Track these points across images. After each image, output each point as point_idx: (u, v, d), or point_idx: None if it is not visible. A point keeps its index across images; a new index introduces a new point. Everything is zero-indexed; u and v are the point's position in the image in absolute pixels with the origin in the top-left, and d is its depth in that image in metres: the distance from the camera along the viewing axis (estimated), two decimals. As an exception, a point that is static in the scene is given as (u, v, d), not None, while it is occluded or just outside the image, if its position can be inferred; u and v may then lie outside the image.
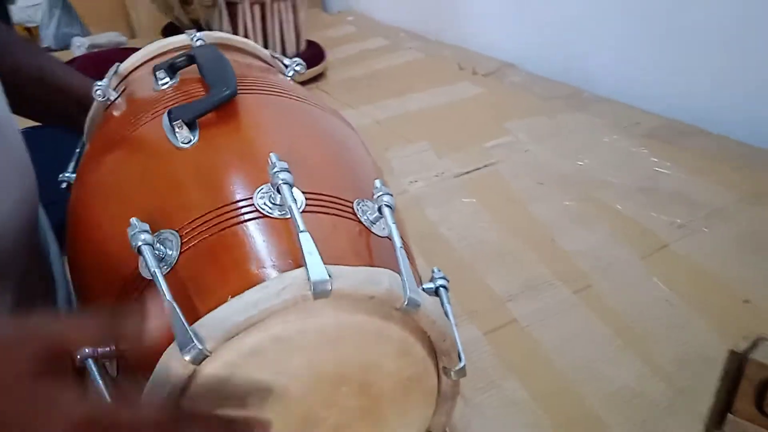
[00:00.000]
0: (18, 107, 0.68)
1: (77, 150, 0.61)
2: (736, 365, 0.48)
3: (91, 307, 0.43)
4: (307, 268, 0.33)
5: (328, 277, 0.33)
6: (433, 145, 1.02)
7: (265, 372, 0.34)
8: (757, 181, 0.85)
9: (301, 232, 0.34)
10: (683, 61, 1.06)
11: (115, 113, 0.53)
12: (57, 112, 0.67)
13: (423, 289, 0.44)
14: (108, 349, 0.36)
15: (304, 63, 0.59)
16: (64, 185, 0.58)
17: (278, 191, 0.37)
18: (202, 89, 0.49)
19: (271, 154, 0.38)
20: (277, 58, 0.63)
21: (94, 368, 0.34)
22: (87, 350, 0.34)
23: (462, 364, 0.40)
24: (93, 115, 0.58)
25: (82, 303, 0.46)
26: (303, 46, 1.33)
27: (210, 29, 1.29)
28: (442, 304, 0.44)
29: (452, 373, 0.40)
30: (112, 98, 0.54)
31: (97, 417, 0.31)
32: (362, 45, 1.49)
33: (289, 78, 0.58)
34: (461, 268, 0.73)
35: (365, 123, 1.11)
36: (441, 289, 0.44)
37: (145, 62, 0.59)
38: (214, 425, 0.34)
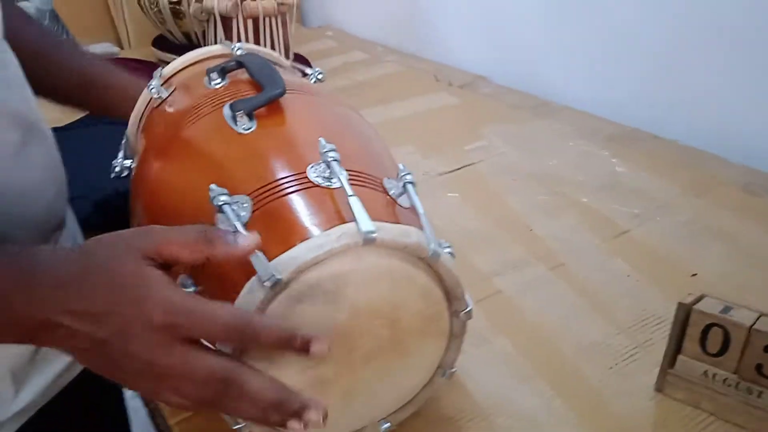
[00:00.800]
0: (59, 101, 0.76)
1: (123, 141, 0.70)
2: (684, 315, 0.59)
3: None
4: (357, 222, 0.43)
5: (374, 229, 0.43)
6: (418, 148, 1.13)
7: (322, 302, 0.44)
8: (697, 178, 0.99)
9: (350, 196, 0.45)
10: (636, 76, 1.20)
11: (170, 108, 0.62)
12: (100, 107, 0.75)
13: None
14: (191, 290, 0.45)
15: (324, 72, 0.70)
16: (116, 169, 0.66)
17: (328, 166, 0.47)
18: (249, 89, 0.58)
19: (320, 138, 0.49)
20: (297, 68, 0.73)
21: (191, 285, 0.43)
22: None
23: (469, 308, 0.51)
24: (138, 110, 0.67)
25: None
26: (291, 58, 1.43)
27: (205, 42, 1.38)
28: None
29: (462, 314, 0.51)
30: (164, 96, 0.63)
31: (187, 305, 0.38)
32: (343, 58, 1.59)
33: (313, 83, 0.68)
34: (452, 250, 0.84)
35: (353, 128, 1.21)
36: (449, 255, 0.55)
37: (184, 68, 0.69)
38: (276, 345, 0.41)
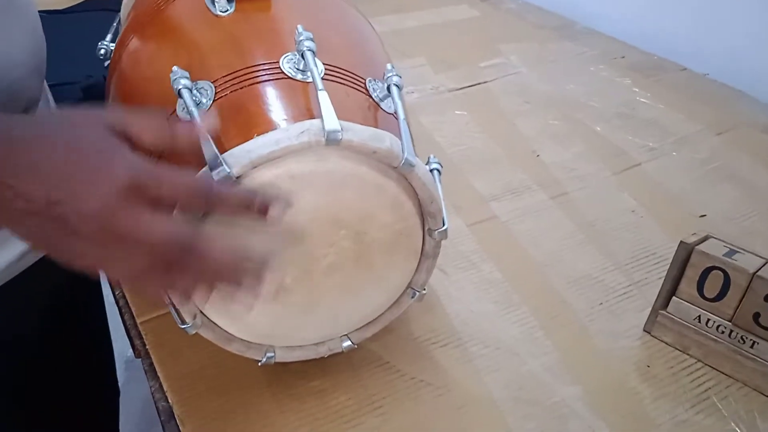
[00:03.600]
0: None
1: (114, 24, 0.65)
2: (685, 254, 0.56)
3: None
4: (322, 119, 0.39)
5: (339, 129, 0.39)
6: (429, 61, 1.06)
7: None
8: (721, 115, 0.92)
9: (320, 90, 0.40)
10: (671, 3, 1.11)
11: None
12: None
13: None
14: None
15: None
16: (102, 52, 0.62)
17: (302, 57, 0.43)
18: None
19: (298, 25, 0.44)
20: None
21: None
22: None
23: (444, 227, 0.47)
24: None
25: None
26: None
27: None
28: (435, 182, 0.50)
29: (436, 233, 0.47)
30: None
31: (151, 167, 0.36)
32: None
33: None
34: (450, 169, 0.79)
35: (365, 35, 1.14)
36: (435, 171, 0.51)
37: None
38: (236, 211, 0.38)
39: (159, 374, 0.53)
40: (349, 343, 0.50)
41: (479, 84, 1.00)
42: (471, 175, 0.79)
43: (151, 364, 0.55)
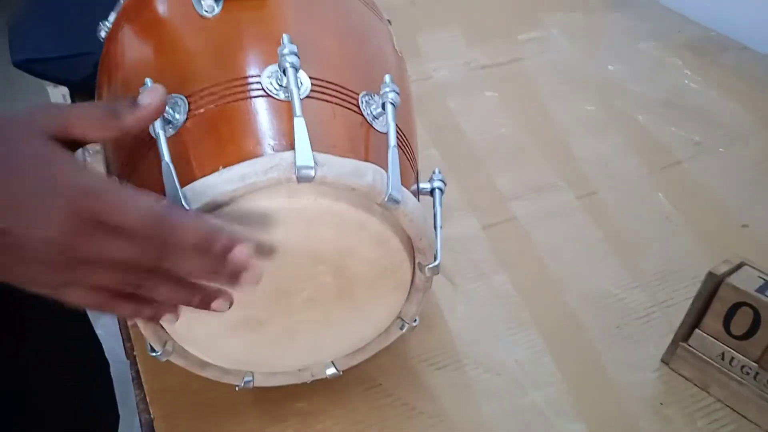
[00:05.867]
0: None
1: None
2: (713, 286, 0.50)
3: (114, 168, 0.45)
4: (295, 153, 0.35)
5: (313, 164, 0.35)
6: (464, 31, 1.00)
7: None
8: (786, 106, 0.84)
9: (296, 117, 0.36)
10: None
11: None
12: None
13: (419, 189, 0.46)
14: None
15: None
16: (102, 34, 0.58)
17: (284, 73, 0.39)
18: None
19: (284, 35, 0.39)
20: None
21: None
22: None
23: (436, 263, 0.43)
24: None
25: (106, 160, 0.49)
26: None
27: None
28: (434, 205, 0.46)
29: (426, 269, 0.43)
30: None
31: (100, 186, 0.32)
32: None
33: None
34: (472, 163, 0.74)
35: (399, 2, 1.08)
36: (437, 191, 0.46)
37: None
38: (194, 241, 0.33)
39: (144, 385, 0.52)
40: (333, 370, 0.47)
41: (515, 61, 0.93)
42: (494, 169, 0.74)
43: (138, 371, 0.53)
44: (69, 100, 0.87)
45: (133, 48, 0.48)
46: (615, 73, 0.90)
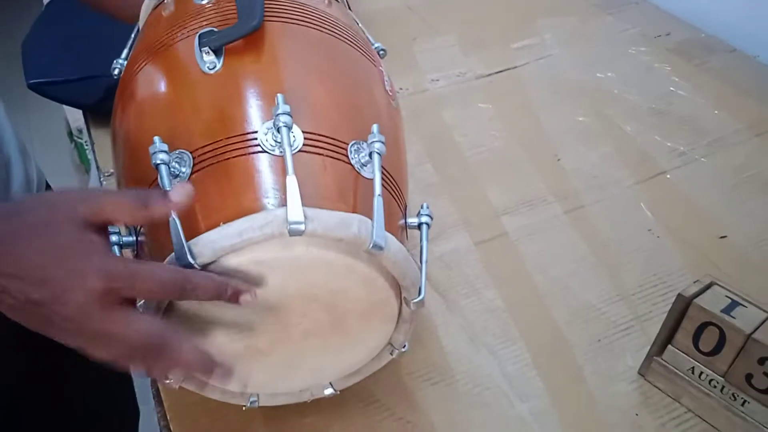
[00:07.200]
0: None
1: (132, 36, 0.65)
2: (683, 306, 0.54)
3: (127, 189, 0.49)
4: (287, 209, 0.40)
5: (302, 220, 0.40)
6: (461, 39, 1.03)
7: (246, 284, 0.42)
8: (765, 111, 0.87)
9: (288, 175, 0.41)
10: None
11: (164, 13, 0.58)
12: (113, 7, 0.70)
13: (406, 224, 0.51)
14: (131, 239, 0.44)
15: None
16: (116, 72, 0.62)
17: (278, 131, 0.43)
18: (235, 11, 0.52)
19: (278, 95, 0.44)
20: None
21: (117, 252, 0.42)
22: (114, 237, 0.41)
23: (420, 298, 0.47)
24: (147, 6, 0.62)
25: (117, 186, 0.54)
26: None
27: None
28: (421, 239, 0.50)
29: (411, 303, 0.48)
30: None
31: (125, 268, 0.38)
32: None
33: None
34: (466, 178, 0.78)
35: (395, 6, 1.11)
36: (423, 225, 0.50)
37: None
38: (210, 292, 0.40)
39: (164, 401, 0.57)
40: (331, 390, 0.52)
41: (509, 69, 0.96)
42: (487, 183, 0.78)
43: (158, 389, 0.58)
44: (84, 121, 0.91)
45: (143, 101, 0.52)
46: (604, 81, 0.93)
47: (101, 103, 0.85)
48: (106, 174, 0.80)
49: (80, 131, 1.72)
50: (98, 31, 0.88)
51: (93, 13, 0.76)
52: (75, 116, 1.68)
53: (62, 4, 0.99)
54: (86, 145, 1.71)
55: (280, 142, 0.44)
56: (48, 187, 0.82)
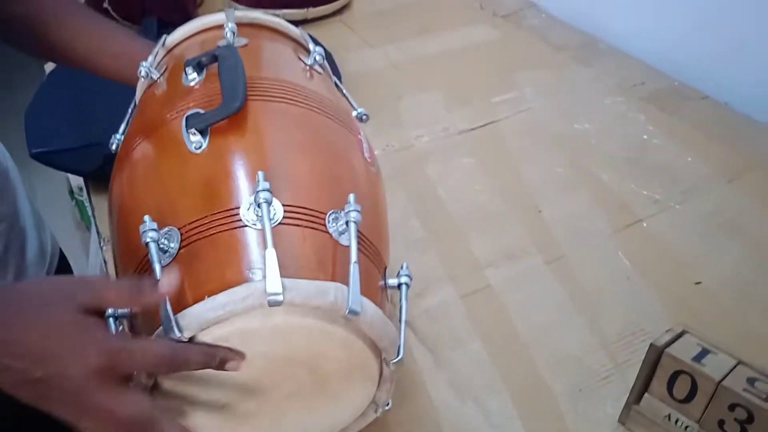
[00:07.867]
0: (76, 65, 0.75)
1: (129, 110, 0.69)
2: (655, 356, 0.57)
3: (122, 276, 0.53)
4: (266, 282, 0.43)
5: (281, 291, 0.43)
6: (444, 95, 1.07)
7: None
8: (735, 156, 0.91)
9: (267, 248, 0.44)
10: (700, 22, 1.08)
11: (157, 92, 0.62)
12: (111, 73, 0.74)
13: (386, 285, 0.54)
14: (125, 311, 0.47)
15: (323, 54, 0.65)
16: (113, 148, 0.65)
17: (259, 207, 0.46)
18: (220, 92, 0.56)
19: (259, 172, 0.47)
20: (299, 42, 0.69)
21: (113, 325, 0.45)
22: (109, 310, 0.45)
23: (399, 358, 0.50)
24: (141, 86, 0.66)
25: (116, 265, 0.57)
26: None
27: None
28: (401, 299, 0.53)
29: (391, 364, 0.50)
30: (154, 77, 0.62)
31: (122, 345, 0.42)
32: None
33: (308, 67, 0.64)
34: (450, 232, 0.82)
35: (382, 66, 1.16)
36: (403, 286, 0.53)
37: (187, 38, 0.66)
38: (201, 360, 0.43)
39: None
40: (319, 448, 0.55)
41: (490, 124, 1.00)
42: (470, 238, 0.81)
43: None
44: (84, 187, 0.94)
45: (136, 178, 0.55)
46: (581, 132, 0.97)
47: (101, 169, 0.88)
48: (106, 240, 0.83)
49: (81, 189, 1.76)
50: (98, 99, 0.93)
51: (93, 81, 0.79)
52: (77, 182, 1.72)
53: (62, 74, 1.04)
54: (86, 203, 1.75)
55: (261, 217, 0.47)
56: (62, 254, 0.86)
